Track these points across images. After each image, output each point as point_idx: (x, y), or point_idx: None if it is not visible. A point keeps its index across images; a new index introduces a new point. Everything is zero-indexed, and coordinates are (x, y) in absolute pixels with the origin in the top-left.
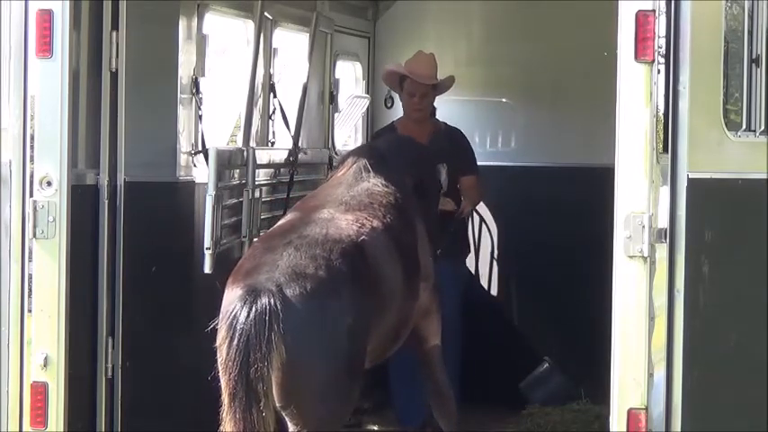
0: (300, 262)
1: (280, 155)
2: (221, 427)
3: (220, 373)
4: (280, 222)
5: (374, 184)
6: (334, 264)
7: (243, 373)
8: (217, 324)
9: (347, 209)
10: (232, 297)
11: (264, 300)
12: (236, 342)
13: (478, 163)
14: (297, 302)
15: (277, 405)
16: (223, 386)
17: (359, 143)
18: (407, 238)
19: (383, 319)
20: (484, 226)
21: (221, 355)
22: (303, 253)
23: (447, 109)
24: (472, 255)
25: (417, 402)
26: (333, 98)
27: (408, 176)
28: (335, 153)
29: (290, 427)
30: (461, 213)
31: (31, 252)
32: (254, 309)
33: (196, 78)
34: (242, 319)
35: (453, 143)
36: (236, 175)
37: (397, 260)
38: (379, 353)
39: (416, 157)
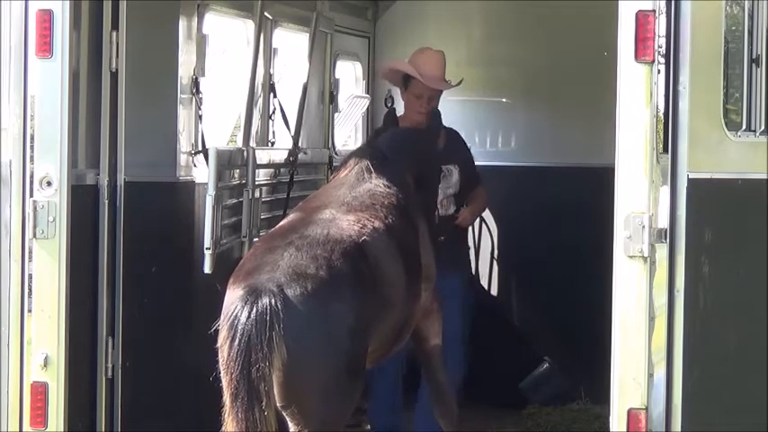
0: (301, 262)
1: (280, 155)
2: (223, 428)
3: (222, 374)
4: (281, 223)
5: (376, 185)
6: (336, 264)
7: (244, 372)
8: (218, 325)
9: (349, 209)
10: (233, 297)
11: (265, 300)
12: (237, 342)
13: (479, 163)
14: (298, 302)
15: (278, 405)
16: (225, 386)
17: (359, 143)
18: (409, 238)
19: (384, 320)
20: (484, 226)
21: (223, 356)
22: (304, 253)
23: (447, 109)
24: (472, 255)
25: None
26: (333, 98)
27: (410, 175)
28: (335, 153)
29: (292, 427)
30: (460, 223)
31: (31, 252)
32: (255, 309)
33: (196, 78)
34: (243, 319)
35: (459, 148)
36: (236, 175)
37: (399, 261)
38: (381, 353)
39: (418, 153)
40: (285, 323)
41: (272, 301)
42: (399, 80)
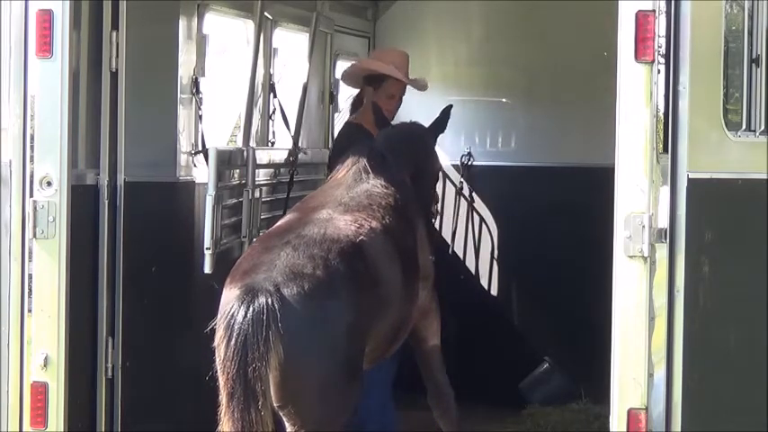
0: (298, 262)
1: (280, 155)
2: (219, 427)
3: (218, 373)
4: (278, 223)
5: (373, 185)
6: (332, 263)
7: (241, 372)
8: (215, 324)
9: (346, 210)
10: (230, 297)
11: (262, 299)
12: (233, 341)
13: (479, 163)
14: (294, 302)
15: (275, 405)
16: (221, 385)
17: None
18: (406, 238)
19: (382, 320)
20: (484, 226)
21: (219, 355)
22: (301, 253)
23: None
24: (472, 255)
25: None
26: (333, 98)
27: (408, 174)
28: None
29: (288, 427)
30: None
31: (31, 252)
32: (251, 308)
33: (196, 78)
34: (239, 318)
35: None
36: (236, 175)
37: (396, 261)
38: (378, 354)
39: (417, 151)
40: (282, 322)
41: (269, 300)
42: (360, 81)
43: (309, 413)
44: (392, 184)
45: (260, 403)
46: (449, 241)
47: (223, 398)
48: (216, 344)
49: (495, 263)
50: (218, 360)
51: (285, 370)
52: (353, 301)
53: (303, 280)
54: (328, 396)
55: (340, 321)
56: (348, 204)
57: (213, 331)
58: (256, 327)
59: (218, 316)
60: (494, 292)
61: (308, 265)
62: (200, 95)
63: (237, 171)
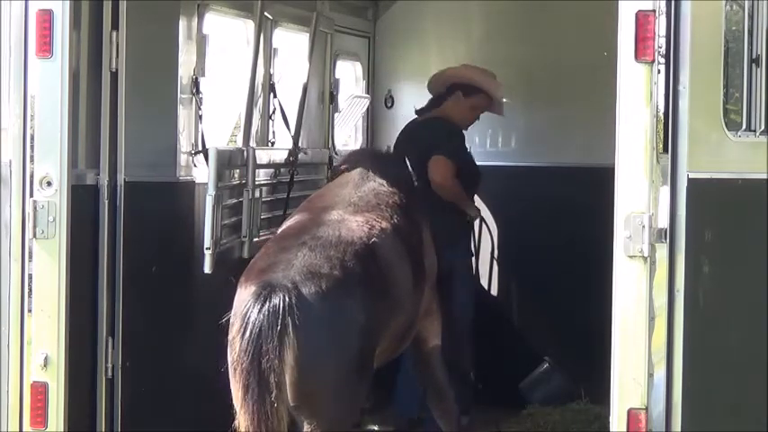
0: (315, 262)
1: (280, 155)
2: (236, 422)
3: (232, 367)
4: (289, 223)
5: (380, 183)
6: (349, 265)
7: (255, 364)
8: (224, 321)
9: (356, 210)
10: (246, 294)
11: (280, 294)
12: (248, 334)
13: (479, 163)
14: (313, 300)
15: (290, 405)
16: (236, 380)
17: (359, 143)
18: (413, 238)
19: (393, 320)
20: (484, 226)
21: (234, 349)
22: (318, 253)
23: None
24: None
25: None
26: (333, 98)
27: (414, 171)
28: (335, 153)
29: (305, 426)
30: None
31: (31, 252)
32: (269, 302)
33: (196, 78)
34: (256, 311)
35: None
36: (236, 175)
37: (405, 261)
38: (388, 354)
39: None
40: (299, 319)
41: (287, 296)
42: (446, 85)
43: (323, 410)
44: (397, 182)
45: (274, 395)
46: None
47: (239, 392)
48: (231, 338)
49: (495, 263)
50: (233, 355)
51: (300, 367)
52: (369, 301)
53: (321, 279)
54: (342, 394)
55: (356, 321)
56: (357, 205)
57: (213, 330)
58: (272, 319)
59: (234, 312)
60: (494, 292)
61: (326, 266)
62: (201, 95)
63: (237, 171)
